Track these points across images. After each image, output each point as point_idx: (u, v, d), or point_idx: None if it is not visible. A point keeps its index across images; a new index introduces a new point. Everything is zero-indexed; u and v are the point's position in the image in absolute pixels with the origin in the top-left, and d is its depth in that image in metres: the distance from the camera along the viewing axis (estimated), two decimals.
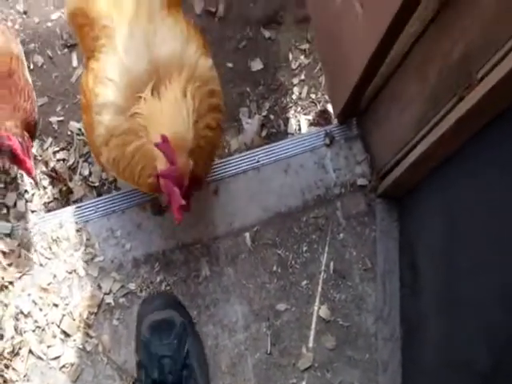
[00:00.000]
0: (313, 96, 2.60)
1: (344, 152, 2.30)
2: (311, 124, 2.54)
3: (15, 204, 2.40)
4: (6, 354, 2.03)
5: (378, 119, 2.18)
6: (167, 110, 1.65)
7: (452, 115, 1.56)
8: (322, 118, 2.53)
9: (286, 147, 2.33)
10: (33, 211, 2.39)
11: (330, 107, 2.53)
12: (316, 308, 2.14)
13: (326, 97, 2.58)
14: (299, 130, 2.53)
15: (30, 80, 2.31)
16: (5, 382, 2.03)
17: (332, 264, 2.18)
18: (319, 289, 2.16)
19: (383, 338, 2.10)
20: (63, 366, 2.06)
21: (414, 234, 2.08)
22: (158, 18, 1.78)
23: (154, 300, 2.06)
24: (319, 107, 2.57)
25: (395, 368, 2.07)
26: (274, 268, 2.17)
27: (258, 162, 2.30)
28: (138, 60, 1.72)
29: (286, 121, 2.56)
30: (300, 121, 2.54)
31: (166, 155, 1.57)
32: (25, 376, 2.05)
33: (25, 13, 2.73)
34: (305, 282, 2.17)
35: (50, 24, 2.71)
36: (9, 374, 2.04)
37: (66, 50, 2.66)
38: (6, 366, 2.04)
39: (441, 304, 1.83)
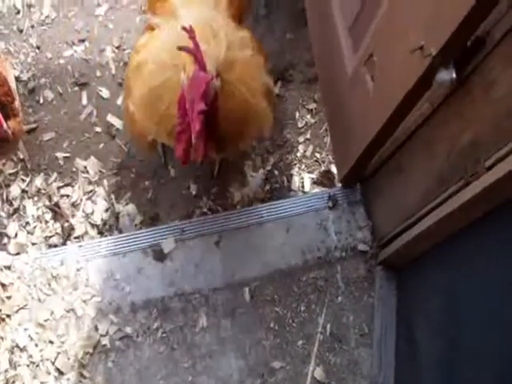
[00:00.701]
0: (317, 155, 2.76)
1: (346, 216, 2.47)
2: (314, 183, 2.68)
3: (16, 235, 2.51)
4: None
5: (382, 188, 2.35)
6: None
7: (457, 198, 1.72)
8: (325, 178, 2.68)
9: (289, 206, 2.50)
10: (33, 244, 2.49)
11: (333, 168, 2.69)
12: (311, 369, 2.27)
13: (331, 157, 2.73)
14: (302, 187, 2.68)
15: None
16: None
17: (329, 326, 2.32)
18: (315, 350, 2.29)
19: None
20: None
21: (413, 306, 2.21)
22: None
23: None
24: (323, 167, 2.72)
25: None
26: (272, 325, 2.31)
27: (261, 217, 2.47)
28: None
29: (290, 177, 2.70)
30: (304, 178, 2.69)
31: (195, 57, 1.66)
32: None
33: (38, 47, 2.90)
34: (301, 342, 2.30)
35: (62, 61, 2.87)
36: None
37: (76, 87, 2.81)
38: None
39: (437, 380, 1.94)
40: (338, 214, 2.47)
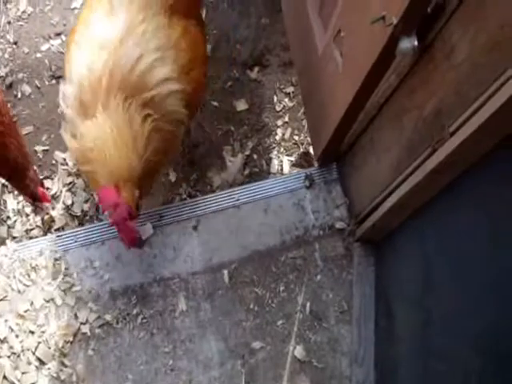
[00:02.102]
0: (296, 138, 2.71)
1: (323, 195, 2.42)
2: (293, 165, 2.64)
3: None
4: None
5: (357, 164, 2.30)
6: (116, 143, 1.74)
7: (426, 165, 1.67)
8: (304, 160, 2.64)
9: (265, 187, 2.45)
10: (14, 237, 2.46)
11: (312, 150, 2.63)
12: (291, 348, 2.22)
13: (309, 139, 2.68)
14: (281, 170, 2.64)
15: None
16: None
17: (308, 305, 2.28)
18: (295, 329, 2.24)
19: (357, 381, 2.16)
20: None
21: (390, 280, 2.17)
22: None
23: None
24: (302, 149, 2.67)
25: None
26: (251, 306, 2.27)
27: (237, 200, 2.41)
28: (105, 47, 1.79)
29: (269, 161, 2.66)
30: (283, 161, 2.65)
31: (109, 205, 1.68)
32: None
33: (15, 43, 2.85)
34: (281, 322, 2.26)
35: (39, 55, 2.82)
36: None
37: (53, 80, 2.77)
38: None
39: (414, 352, 1.91)
40: (315, 194, 2.42)
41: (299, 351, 2.22)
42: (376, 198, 2.10)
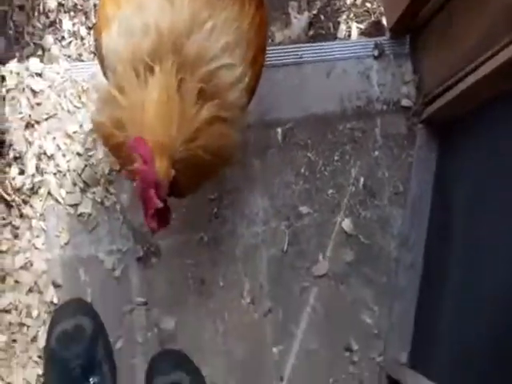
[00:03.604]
0: (368, 5, 2.53)
1: (392, 68, 2.31)
2: (362, 33, 2.48)
3: (50, 48, 2.36)
4: (25, 190, 2.10)
5: (431, 42, 2.16)
6: (153, 107, 1.41)
7: (505, 52, 1.55)
8: (375, 29, 2.48)
9: (331, 49, 2.33)
10: (67, 58, 2.36)
11: (384, 20, 2.46)
12: (339, 219, 2.19)
13: (382, 9, 2.50)
14: (349, 36, 2.49)
15: None
16: (21, 216, 2.10)
17: (362, 179, 2.23)
18: (345, 201, 2.20)
19: (404, 264, 2.14)
20: (80, 215, 2.13)
21: (452, 173, 2.07)
22: None
23: (65, 307, 2.02)
24: (373, 18, 2.51)
25: (411, 297, 2.12)
26: (302, 170, 2.22)
27: (300, 57, 2.30)
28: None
29: (337, 25, 2.50)
30: (351, 27, 2.49)
31: (140, 155, 1.37)
32: (41, 215, 2.11)
33: None
34: (331, 191, 2.22)
35: None
36: (26, 210, 2.10)
37: None
38: (24, 202, 2.10)
39: (466, 257, 1.84)
40: (383, 66, 2.30)
41: (347, 224, 2.19)
42: (448, 80, 1.97)
